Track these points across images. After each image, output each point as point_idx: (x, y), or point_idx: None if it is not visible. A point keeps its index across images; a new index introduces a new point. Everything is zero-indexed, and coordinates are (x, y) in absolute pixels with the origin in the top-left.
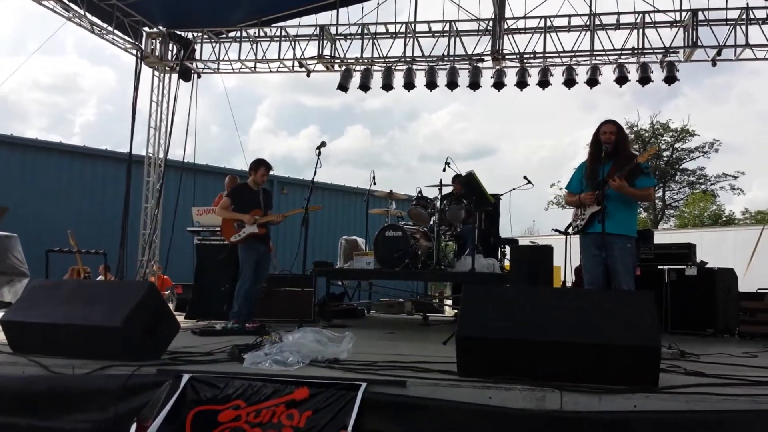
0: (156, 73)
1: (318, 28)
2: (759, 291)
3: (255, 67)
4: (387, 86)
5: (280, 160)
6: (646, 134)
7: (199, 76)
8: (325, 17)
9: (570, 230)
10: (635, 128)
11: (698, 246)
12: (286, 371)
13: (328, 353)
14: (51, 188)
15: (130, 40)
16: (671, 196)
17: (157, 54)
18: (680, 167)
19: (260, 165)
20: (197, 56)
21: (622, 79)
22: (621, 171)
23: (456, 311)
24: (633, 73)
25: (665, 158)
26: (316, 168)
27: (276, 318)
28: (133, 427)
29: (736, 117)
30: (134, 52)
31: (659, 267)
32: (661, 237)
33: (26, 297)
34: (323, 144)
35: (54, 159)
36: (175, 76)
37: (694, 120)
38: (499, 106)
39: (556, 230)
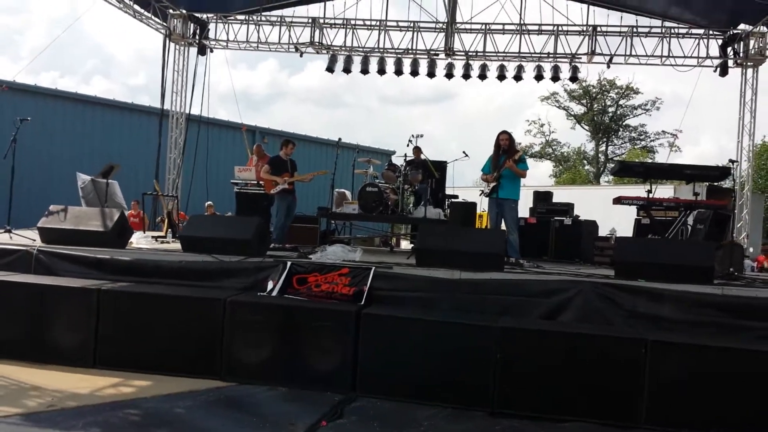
0: (177, 47)
1: (310, 19)
2: (607, 235)
3: (257, 47)
4: (364, 71)
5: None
6: (594, 90)
7: (211, 51)
8: (314, 8)
9: (482, 195)
10: (584, 83)
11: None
12: (334, 262)
13: (350, 257)
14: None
15: (160, 21)
16: (613, 150)
17: (178, 32)
18: (623, 123)
19: (289, 143)
20: (211, 35)
21: (539, 77)
22: (511, 159)
23: (412, 244)
24: (547, 72)
25: (609, 114)
26: (335, 159)
27: (296, 243)
28: (270, 282)
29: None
30: (163, 31)
31: (550, 218)
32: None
33: (191, 222)
34: (339, 139)
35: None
36: (193, 50)
37: (644, 70)
38: None
39: (481, 191)
